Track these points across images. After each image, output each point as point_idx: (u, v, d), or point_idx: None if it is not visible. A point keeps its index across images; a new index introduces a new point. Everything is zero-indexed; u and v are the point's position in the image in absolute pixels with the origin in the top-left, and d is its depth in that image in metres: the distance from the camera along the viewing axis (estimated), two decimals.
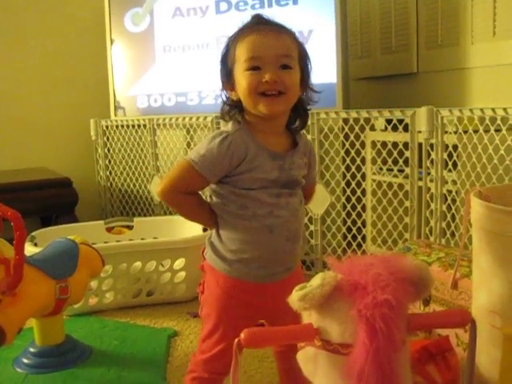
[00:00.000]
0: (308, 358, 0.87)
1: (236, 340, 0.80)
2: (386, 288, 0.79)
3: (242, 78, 1.13)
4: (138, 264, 2.05)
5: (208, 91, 2.62)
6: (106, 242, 2.29)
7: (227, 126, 1.18)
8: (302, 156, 1.21)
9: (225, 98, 1.21)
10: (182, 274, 2.09)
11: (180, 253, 2.06)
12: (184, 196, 1.14)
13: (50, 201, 2.73)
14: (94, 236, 2.21)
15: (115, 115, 2.97)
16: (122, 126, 2.98)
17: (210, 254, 1.18)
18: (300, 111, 1.22)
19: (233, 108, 1.18)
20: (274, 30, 1.14)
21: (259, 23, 1.16)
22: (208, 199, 1.17)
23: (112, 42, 2.94)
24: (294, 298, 0.82)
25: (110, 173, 3.10)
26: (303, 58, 1.19)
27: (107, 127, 3.05)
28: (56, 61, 3.27)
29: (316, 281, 0.81)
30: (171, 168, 1.10)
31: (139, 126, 2.89)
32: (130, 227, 2.46)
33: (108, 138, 3.06)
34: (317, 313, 0.84)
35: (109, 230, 2.41)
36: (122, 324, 1.90)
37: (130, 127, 2.94)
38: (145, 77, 2.84)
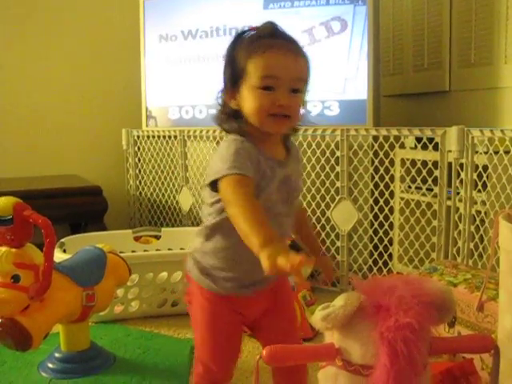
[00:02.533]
0: (328, 377, 0.88)
1: (257, 357, 0.82)
2: (408, 311, 0.79)
3: (251, 95, 1.10)
4: (164, 274, 2.06)
5: None
6: (133, 251, 2.31)
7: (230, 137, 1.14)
8: (297, 162, 1.21)
9: (221, 104, 1.17)
10: None
11: None
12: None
13: (80, 208, 2.77)
14: (121, 245, 2.23)
15: (146, 125, 3.01)
16: (154, 137, 3.02)
17: (193, 269, 1.19)
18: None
19: (230, 117, 1.15)
20: (293, 50, 1.10)
21: (275, 36, 1.11)
22: (204, 218, 1.18)
23: (146, 52, 2.98)
24: (317, 318, 0.82)
25: (140, 182, 3.13)
26: (309, 81, 1.17)
27: (138, 137, 3.09)
28: (90, 70, 3.33)
29: (339, 301, 0.81)
30: (224, 198, 1.06)
31: (170, 137, 2.93)
32: (157, 237, 2.48)
33: (139, 148, 3.10)
34: (339, 333, 0.85)
35: (137, 239, 2.44)
36: (146, 333, 1.91)
37: (161, 138, 2.97)
38: (177, 88, 2.88)
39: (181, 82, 2.86)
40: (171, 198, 2.99)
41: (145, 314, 2.06)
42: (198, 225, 2.70)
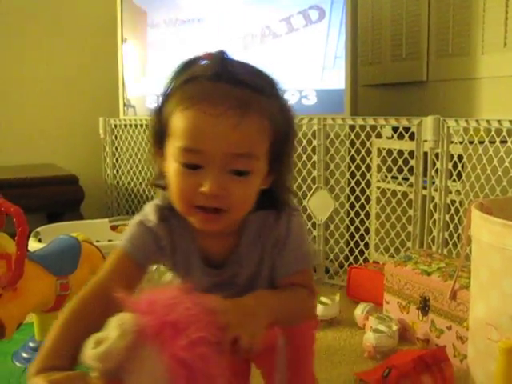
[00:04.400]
0: None
1: None
2: (198, 323, 0.67)
3: (171, 171, 0.80)
4: None
5: None
6: (110, 240, 2.30)
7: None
8: (257, 253, 0.91)
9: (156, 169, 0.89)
10: None
11: None
12: None
13: (57, 197, 2.75)
14: (98, 234, 2.22)
15: (124, 114, 2.99)
16: (131, 126, 2.99)
17: None
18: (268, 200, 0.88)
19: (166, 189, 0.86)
20: (237, 107, 0.75)
21: (219, 78, 0.78)
22: None
23: (124, 40, 2.95)
24: (94, 360, 0.65)
25: (117, 171, 3.11)
26: (281, 144, 0.84)
27: (115, 126, 3.06)
28: (67, 58, 3.28)
29: (113, 331, 0.66)
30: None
31: (147, 125, 2.90)
32: None
33: (116, 137, 3.08)
34: (120, 368, 0.67)
35: (113, 228, 2.43)
36: None
37: (139, 126, 2.95)
38: (155, 76, 2.86)
39: (160, 70, 2.84)
40: (148, 187, 2.97)
41: None
42: None
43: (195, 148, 0.77)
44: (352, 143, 2.22)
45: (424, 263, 1.68)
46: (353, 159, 2.22)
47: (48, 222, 2.53)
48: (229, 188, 0.78)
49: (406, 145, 2.05)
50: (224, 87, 0.77)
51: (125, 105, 2.98)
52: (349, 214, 2.25)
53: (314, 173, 2.24)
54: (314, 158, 2.24)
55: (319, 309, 1.80)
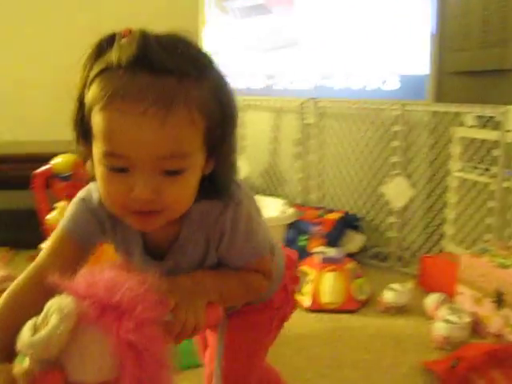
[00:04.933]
0: None
1: None
2: (142, 304, 0.64)
3: (98, 173, 0.73)
4: None
5: (297, 75, 2.63)
6: None
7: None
8: (201, 242, 0.84)
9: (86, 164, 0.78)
10: None
11: None
12: None
13: None
14: None
15: None
16: None
17: None
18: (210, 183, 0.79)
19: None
20: (160, 103, 0.66)
21: (138, 65, 0.67)
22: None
23: (205, 23, 3.00)
24: (32, 347, 0.61)
25: None
26: (219, 131, 0.75)
27: None
28: None
29: (54, 316, 0.61)
30: None
31: None
32: None
33: None
34: (60, 355, 0.63)
35: None
36: None
37: None
38: (237, 57, 2.89)
39: (240, 51, 2.87)
40: None
41: None
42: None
43: (118, 153, 0.68)
44: (433, 131, 2.18)
45: (501, 256, 1.64)
46: (433, 147, 2.17)
47: None
48: (162, 190, 0.70)
49: (490, 134, 1.99)
50: (143, 79, 0.66)
51: None
52: (426, 202, 2.22)
53: (393, 159, 2.21)
54: (393, 143, 2.21)
55: (390, 295, 1.80)
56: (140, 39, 0.68)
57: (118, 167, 0.69)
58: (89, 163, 0.76)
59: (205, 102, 0.71)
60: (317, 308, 1.82)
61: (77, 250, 0.82)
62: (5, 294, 0.76)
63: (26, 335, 0.61)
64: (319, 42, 2.50)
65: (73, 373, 0.62)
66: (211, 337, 1.01)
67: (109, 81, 0.68)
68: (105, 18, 2.66)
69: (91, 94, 0.69)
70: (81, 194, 0.85)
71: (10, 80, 3.04)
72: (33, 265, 0.80)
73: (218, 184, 0.80)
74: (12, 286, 0.77)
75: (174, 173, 0.70)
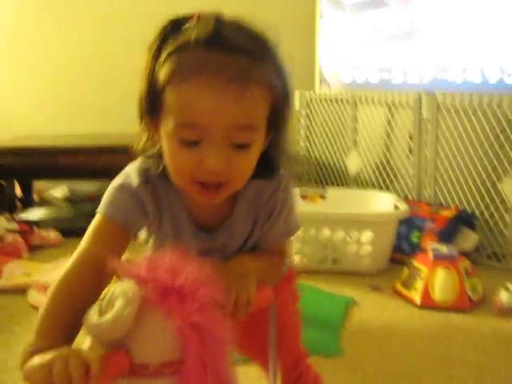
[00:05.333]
0: None
1: None
2: (204, 287, 0.66)
3: (168, 147, 0.77)
4: (327, 232, 2.14)
5: (413, 69, 2.59)
6: None
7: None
8: (250, 221, 0.88)
9: (145, 140, 0.84)
10: (369, 247, 2.13)
11: (368, 226, 2.11)
12: None
13: None
14: None
15: (320, 89, 3.07)
16: (326, 100, 3.07)
17: None
18: (264, 162, 0.84)
19: (157, 159, 0.83)
20: (236, 77, 0.71)
21: (213, 44, 0.72)
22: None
23: (320, 18, 3.02)
24: (101, 329, 0.63)
25: (310, 144, 3.22)
26: (280, 111, 0.80)
27: (311, 100, 3.16)
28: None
29: (119, 299, 0.64)
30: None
31: (341, 100, 2.96)
32: (323, 197, 2.56)
33: (310, 110, 3.18)
34: (125, 337, 0.66)
35: (303, 197, 2.53)
36: (305, 286, 2.00)
37: (333, 101, 3.01)
38: (351, 51, 2.89)
39: (355, 46, 2.87)
40: (340, 160, 3.03)
41: (305, 268, 2.15)
42: (364, 188, 2.74)
43: (195, 122, 0.72)
44: None
45: None
46: None
47: None
48: (231, 162, 0.74)
49: None
50: (220, 56, 0.71)
51: (320, 80, 3.06)
52: None
53: None
54: None
55: (505, 296, 1.75)
56: (215, 20, 0.74)
57: (190, 139, 0.73)
58: (141, 140, 0.82)
59: (272, 83, 0.76)
60: (427, 305, 1.80)
61: (121, 234, 0.83)
62: (58, 282, 0.75)
63: (93, 317, 0.63)
64: (436, 34, 2.44)
65: (137, 354, 0.65)
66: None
67: (186, 57, 0.72)
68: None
69: (165, 71, 0.73)
70: (117, 180, 0.86)
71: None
72: (80, 251, 0.79)
73: (270, 162, 0.84)
74: (65, 273, 0.76)
75: (242, 146, 0.75)
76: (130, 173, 0.85)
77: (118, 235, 0.83)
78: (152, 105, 0.77)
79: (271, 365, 0.94)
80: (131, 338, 0.65)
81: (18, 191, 3.05)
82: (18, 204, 3.00)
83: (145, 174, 0.85)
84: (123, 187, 0.84)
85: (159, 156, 0.82)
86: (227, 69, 0.71)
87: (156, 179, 0.84)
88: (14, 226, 2.48)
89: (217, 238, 0.87)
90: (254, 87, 0.73)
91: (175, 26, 0.76)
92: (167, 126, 0.75)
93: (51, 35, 3.38)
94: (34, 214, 2.83)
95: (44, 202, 3.11)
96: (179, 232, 0.86)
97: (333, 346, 1.56)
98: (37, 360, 0.60)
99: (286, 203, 0.89)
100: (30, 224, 2.59)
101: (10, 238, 2.35)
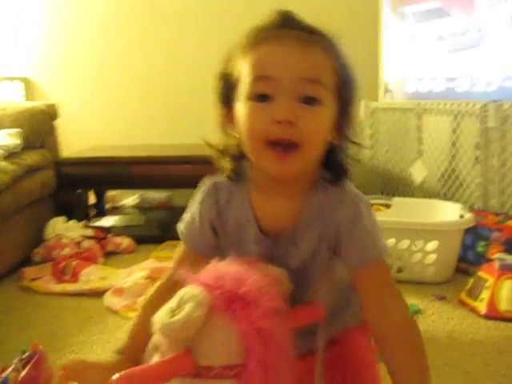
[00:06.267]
0: None
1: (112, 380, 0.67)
2: (267, 294, 0.70)
3: (242, 111, 0.81)
4: (392, 240, 2.16)
5: (479, 77, 2.58)
6: None
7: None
8: (315, 234, 0.86)
9: (223, 139, 0.88)
10: (433, 256, 2.13)
11: (433, 235, 2.11)
12: None
13: None
14: None
15: (384, 98, 3.09)
16: (390, 109, 3.08)
17: None
18: (331, 163, 0.87)
19: (236, 159, 0.88)
20: (303, 39, 0.79)
21: (282, 26, 0.81)
22: None
23: (383, 28, 3.04)
24: (173, 328, 0.67)
25: (375, 153, 3.23)
26: (345, 87, 0.85)
27: (375, 109, 3.17)
28: None
29: (189, 302, 0.68)
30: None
31: (406, 109, 2.96)
32: (387, 206, 2.57)
33: (375, 119, 3.19)
34: (193, 338, 0.69)
35: None
36: None
37: (397, 110, 3.02)
38: (415, 61, 2.90)
39: (419, 55, 2.87)
40: (404, 169, 3.03)
41: None
42: (429, 197, 2.73)
43: (265, 74, 0.78)
44: None
45: None
46: None
47: None
48: (300, 116, 0.77)
49: None
50: (287, 31, 0.80)
51: (385, 89, 3.08)
52: None
53: None
54: None
55: None
56: (283, 12, 0.83)
57: (263, 92, 0.78)
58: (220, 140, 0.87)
59: (339, 58, 0.83)
60: (493, 315, 1.79)
61: (201, 259, 0.85)
62: (145, 301, 0.94)
63: (164, 317, 0.68)
64: (502, 42, 2.43)
65: (202, 357, 0.69)
66: None
67: (258, 33, 0.81)
68: None
69: (239, 52, 0.82)
70: (191, 208, 0.93)
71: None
72: (166, 277, 0.94)
73: (336, 163, 0.87)
74: (151, 293, 0.94)
75: (311, 100, 0.78)
76: (202, 198, 0.91)
77: (198, 260, 0.87)
78: (227, 95, 0.84)
79: None
80: (198, 341, 0.69)
81: (91, 199, 3.19)
82: (91, 212, 3.14)
83: (213, 192, 0.90)
84: (197, 217, 0.91)
85: (232, 156, 0.87)
86: (294, 36, 0.79)
87: (224, 188, 0.89)
88: (90, 232, 2.61)
89: (279, 246, 0.86)
90: (319, 51, 0.80)
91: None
92: (241, 90, 0.81)
93: (129, 52, 3.53)
94: (107, 221, 2.96)
95: (116, 210, 3.26)
96: (242, 237, 0.88)
97: None
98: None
99: (360, 215, 0.84)
100: (104, 231, 2.72)
101: (86, 244, 2.49)
